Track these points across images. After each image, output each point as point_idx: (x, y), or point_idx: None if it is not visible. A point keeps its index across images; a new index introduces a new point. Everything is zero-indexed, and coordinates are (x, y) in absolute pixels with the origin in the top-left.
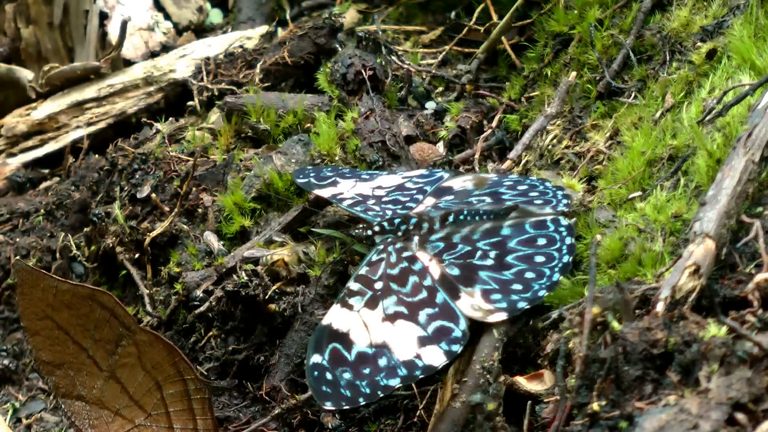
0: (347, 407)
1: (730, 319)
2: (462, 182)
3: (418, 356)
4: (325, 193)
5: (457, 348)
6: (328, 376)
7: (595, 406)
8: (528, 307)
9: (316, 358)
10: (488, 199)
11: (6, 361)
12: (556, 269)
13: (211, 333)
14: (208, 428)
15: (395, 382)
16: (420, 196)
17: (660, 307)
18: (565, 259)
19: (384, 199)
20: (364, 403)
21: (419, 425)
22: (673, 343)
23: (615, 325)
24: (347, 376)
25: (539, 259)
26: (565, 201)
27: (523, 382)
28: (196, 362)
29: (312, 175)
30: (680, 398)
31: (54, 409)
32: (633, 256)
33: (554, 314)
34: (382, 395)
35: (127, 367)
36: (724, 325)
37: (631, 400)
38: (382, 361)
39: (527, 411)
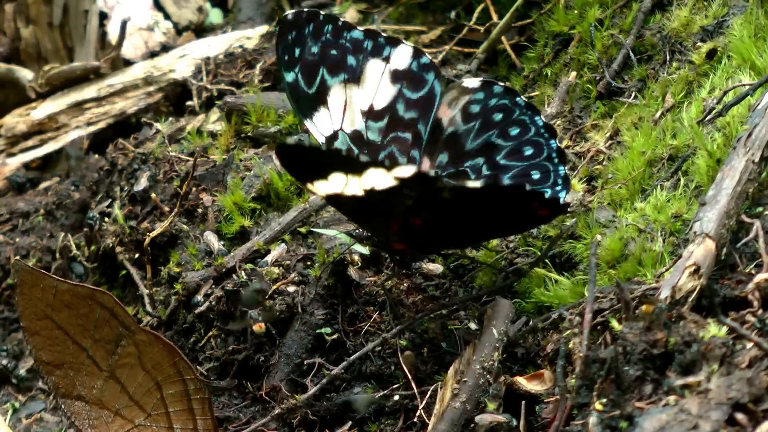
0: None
1: (730, 320)
2: (450, 111)
3: None
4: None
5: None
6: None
7: (597, 405)
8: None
9: None
10: (484, 166)
11: (5, 361)
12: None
13: (211, 333)
14: (208, 428)
15: None
16: (416, 153)
17: None
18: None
19: (380, 153)
20: None
21: (419, 425)
22: (673, 343)
23: (615, 325)
24: None
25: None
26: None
27: (523, 382)
28: (196, 362)
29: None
30: (680, 398)
31: (54, 409)
32: (633, 256)
33: (554, 314)
34: None
35: (127, 367)
36: (724, 325)
37: (631, 400)
38: None
39: (522, 411)
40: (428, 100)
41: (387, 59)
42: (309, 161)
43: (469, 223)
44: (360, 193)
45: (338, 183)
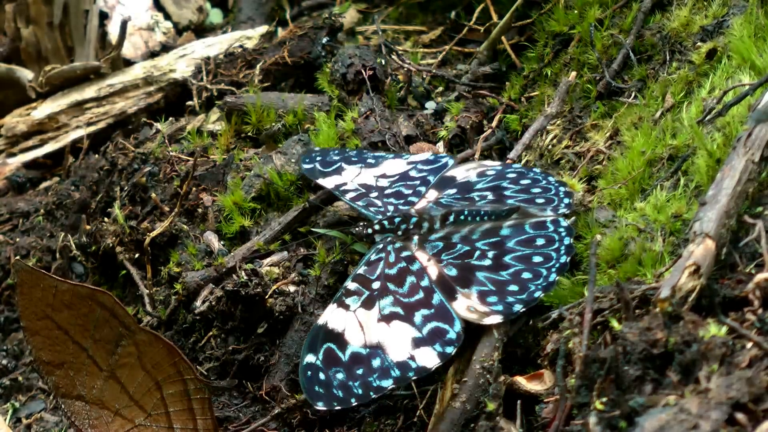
0: (339, 408)
1: (730, 319)
2: (465, 172)
3: (411, 357)
4: (329, 183)
5: (450, 350)
6: (321, 376)
7: (597, 405)
8: (524, 309)
9: (309, 358)
10: (490, 195)
11: (5, 361)
12: (553, 270)
13: (211, 333)
14: (208, 428)
15: (388, 384)
16: (423, 188)
17: None
18: (563, 259)
19: (386, 192)
20: (356, 403)
21: (419, 425)
22: (673, 343)
23: (615, 325)
24: (340, 376)
25: (537, 259)
26: (566, 200)
27: (523, 382)
28: (196, 362)
29: (318, 159)
30: (680, 398)
31: (54, 409)
32: (633, 256)
33: (554, 314)
34: (374, 396)
35: (127, 367)
36: (724, 325)
37: (631, 399)
38: (376, 362)
39: (518, 411)
40: (439, 168)
41: None
42: None
43: None
44: None
45: None
